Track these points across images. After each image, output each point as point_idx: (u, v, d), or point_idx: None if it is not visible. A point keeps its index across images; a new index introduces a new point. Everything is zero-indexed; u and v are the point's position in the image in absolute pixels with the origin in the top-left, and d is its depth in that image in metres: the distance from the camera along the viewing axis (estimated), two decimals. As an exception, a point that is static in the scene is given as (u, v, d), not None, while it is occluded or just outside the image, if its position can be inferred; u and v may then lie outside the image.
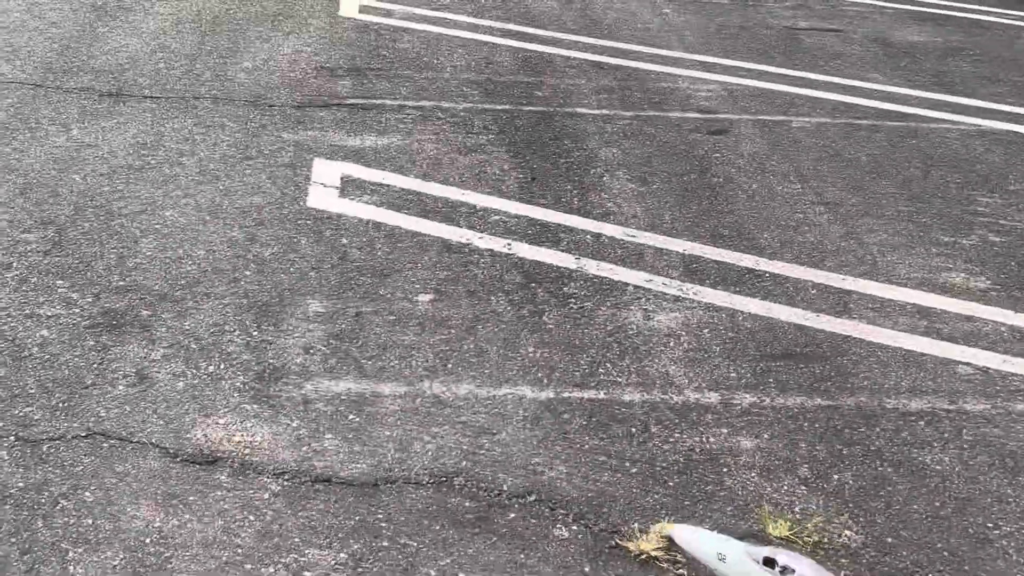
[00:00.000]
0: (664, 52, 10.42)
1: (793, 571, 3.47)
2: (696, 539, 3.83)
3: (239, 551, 4.19)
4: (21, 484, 4.49)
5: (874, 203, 7.49)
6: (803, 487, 4.72)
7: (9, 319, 5.58)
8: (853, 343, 5.81)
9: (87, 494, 4.45)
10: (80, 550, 4.14)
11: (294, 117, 8.30)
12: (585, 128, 8.47)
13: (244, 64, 9.36)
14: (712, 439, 4.97)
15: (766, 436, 5.03)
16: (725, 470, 4.77)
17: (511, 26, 10.94)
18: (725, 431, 5.03)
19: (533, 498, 4.56)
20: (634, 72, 9.82)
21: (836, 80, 9.92)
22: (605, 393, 5.26)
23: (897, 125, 8.96)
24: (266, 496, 4.48)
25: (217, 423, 4.89)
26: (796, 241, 6.88)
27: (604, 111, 8.86)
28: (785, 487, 4.72)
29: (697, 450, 4.89)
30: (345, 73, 9.31)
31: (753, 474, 4.78)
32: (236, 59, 9.48)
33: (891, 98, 9.57)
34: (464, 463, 4.74)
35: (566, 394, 5.24)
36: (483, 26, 10.92)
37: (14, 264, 6.10)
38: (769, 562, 3.60)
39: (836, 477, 4.80)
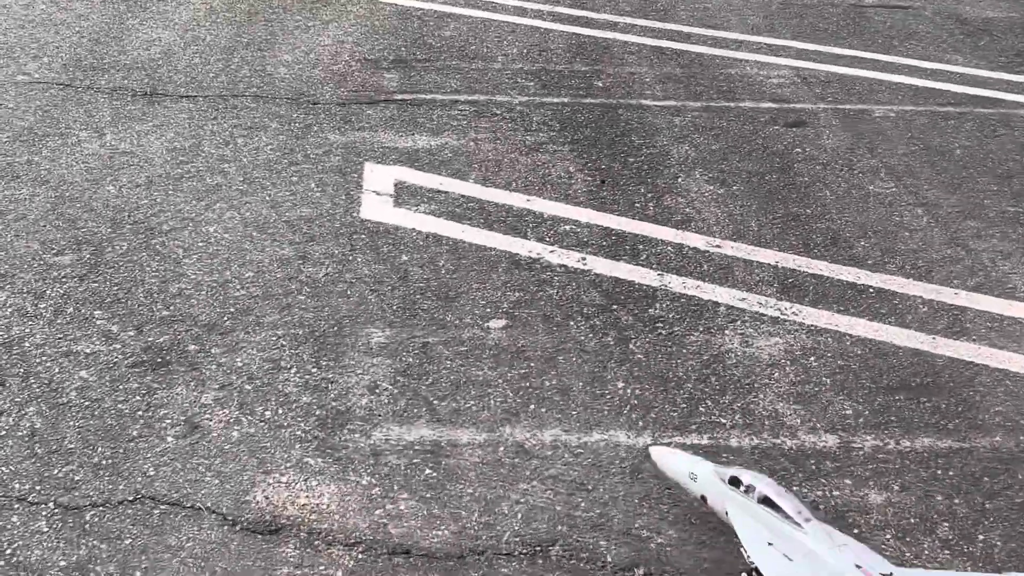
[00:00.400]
0: (727, 34, 9.76)
1: (754, 488, 3.77)
2: (672, 460, 4.11)
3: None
4: (63, 563, 3.97)
5: (975, 203, 6.86)
6: (946, 551, 4.16)
7: (45, 358, 5.06)
8: (977, 370, 5.22)
9: (137, 575, 3.93)
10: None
11: (340, 115, 7.73)
12: (652, 122, 7.87)
13: (283, 57, 8.79)
14: (836, 492, 4.41)
15: (896, 487, 4.45)
16: (856, 531, 4.21)
17: (561, 9, 10.31)
18: (849, 482, 4.46)
19: (641, 572, 4.01)
20: (697, 58, 9.18)
21: (913, 63, 9.25)
22: (709, 437, 4.69)
23: (986, 112, 8.30)
24: (340, 575, 3.95)
25: (279, 482, 4.36)
26: (897, 249, 6.27)
27: (671, 102, 8.24)
28: (926, 551, 4.15)
29: (821, 507, 4.33)
30: (390, 65, 8.73)
31: (888, 536, 4.21)
32: (274, 51, 8.91)
33: (975, 81, 8.90)
34: (559, 527, 4.19)
35: (666, 439, 4.68)
36: (531, 9, 10.29)
37: (47, 292, 5.57)
38: (735, 481, 3.88)
39: (981, 538, 4.23)
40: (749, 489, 3.75)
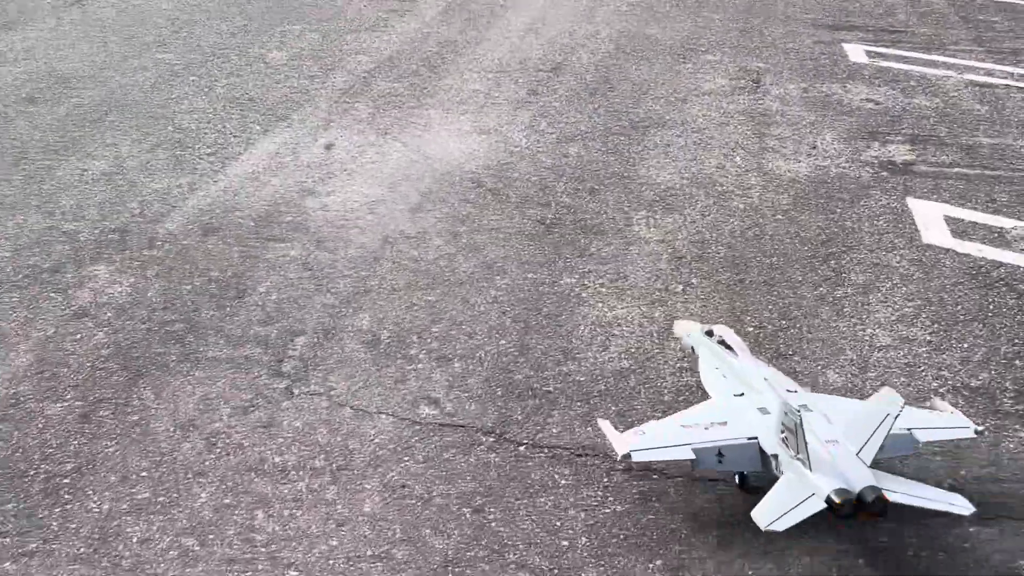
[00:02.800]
0: None
1: (715, 334, 5.37)
2: (680, 326, 5.72)
3: None
4: None
5: None
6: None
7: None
8: None
9: None
10: None
11: None
12: None
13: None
14: None
15: None
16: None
17: None
18: None
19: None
20: None
21: None
22: None
23: None
24: None
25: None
26: None
27: None
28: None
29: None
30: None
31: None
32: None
33: None
34: None
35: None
36: None
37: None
38: (709, 332, 5.46)
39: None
40: (712, 334, 5.40)
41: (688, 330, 5.54)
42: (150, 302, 6.49)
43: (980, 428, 4.72)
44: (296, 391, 5.66)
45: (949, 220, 7.72)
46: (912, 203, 7.98)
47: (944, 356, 6.05)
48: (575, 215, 7.68)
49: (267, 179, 8.27)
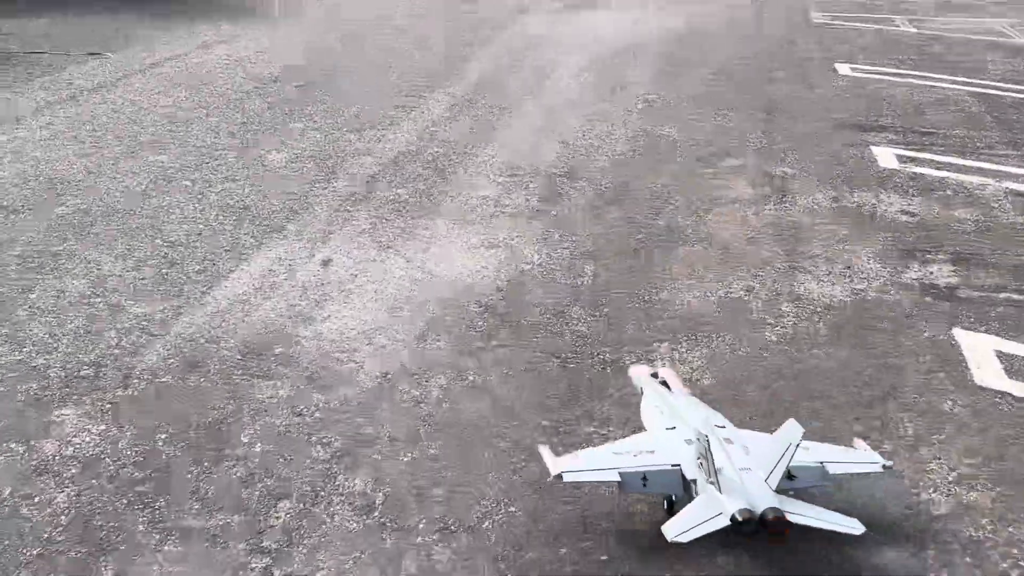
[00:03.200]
0: None
1: (659, 377, 5.84)
2: (635, 371, 6.11)
3: None
4: None
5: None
6: None
7: None
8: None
9: None
10: None
11: None
12: None
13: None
14: None
15: None
16: None
17: None
18: None
19: None
20: None
21: None
22: None
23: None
24: None
25: None
26: None
27: None
28: None
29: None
30: None
31: None
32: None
33: None
34: None
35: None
36: None
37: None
38: (655, 375, 5.93)
39: None
40: (657, 375, 5.86)
41: (639, 374, 6.06)
42: (120, 454, 5.80)
43: (888, 463, 5.23)
44: (277, 573, 5.00)
45: (1001, 356, 7.04)
46: (959, 335, 7.30)
47: (1011, 529, 5.37)
48: (592, 347, 7.05)
49: (258, 302, 7.63)
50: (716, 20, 19.85)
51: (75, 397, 6.38)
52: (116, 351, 6.92)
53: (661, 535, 4.78)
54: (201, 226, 8.97)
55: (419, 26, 18.18)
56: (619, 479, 4.91)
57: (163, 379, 6.59)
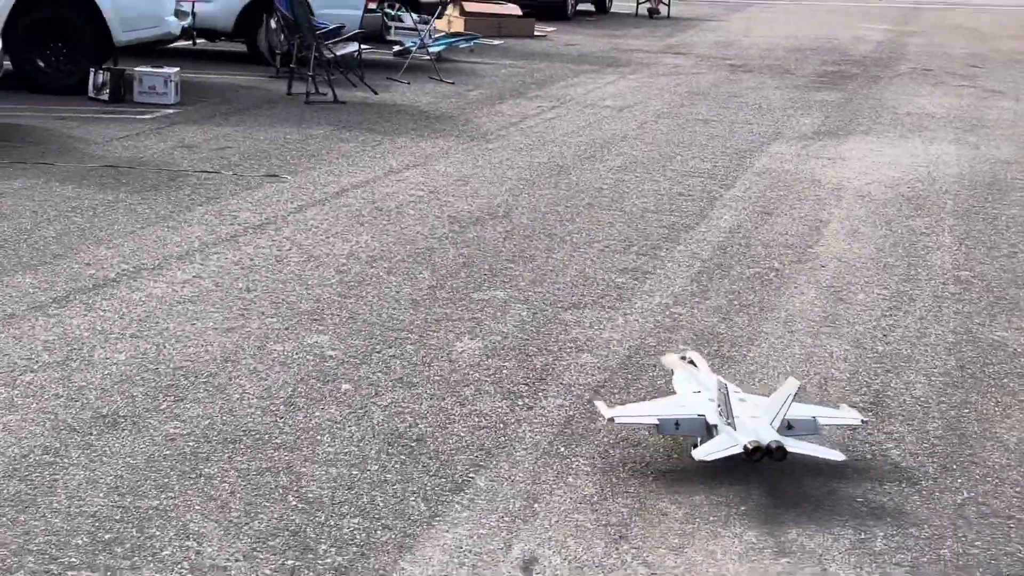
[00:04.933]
0: None
1: (687, 357, 7.17)
2: (667, 359, 7.54)
3: None
4: None
5: None
6: None
7: None
8: None
9: None
10: None
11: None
12: None
13: None
14: None
15: None
16: None
17: None
18: None
19: None
20: None
21: None
22: None
23: None
24: None
25: None
26: None
27: None
28: None
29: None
30: None
31: None
32: None
33: None
34: None
35: None
36: None
37: None
38: (683, 357, 7.26)
39: None
40: (685, 357, 7.14)
41: (670, 359, 7.33)
42: None
43: (865, 419, 6.65)
44: None
45: None
46: None
47: None
48: None
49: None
50: (1015, 150, 16.37)
51: None
52: None
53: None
54: (354, 471, 6.23)
55: (645, 152, 15.40)
56: (657, 423, 6.30)
57: None
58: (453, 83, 21.09)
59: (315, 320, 8.55)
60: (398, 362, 7.78)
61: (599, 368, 7.82)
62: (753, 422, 6.06)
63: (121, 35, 17.26)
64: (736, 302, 9.37)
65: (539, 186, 13.28)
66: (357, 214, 11.64)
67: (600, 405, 6.63)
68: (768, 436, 5.93)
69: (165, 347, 7.88)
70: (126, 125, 15.54)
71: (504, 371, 7.72)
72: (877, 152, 16.31)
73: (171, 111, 16.83)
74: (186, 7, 19.49)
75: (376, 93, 19.12)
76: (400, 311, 8.82)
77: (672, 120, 18.35)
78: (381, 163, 14.14)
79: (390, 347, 8.04)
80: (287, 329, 8.34)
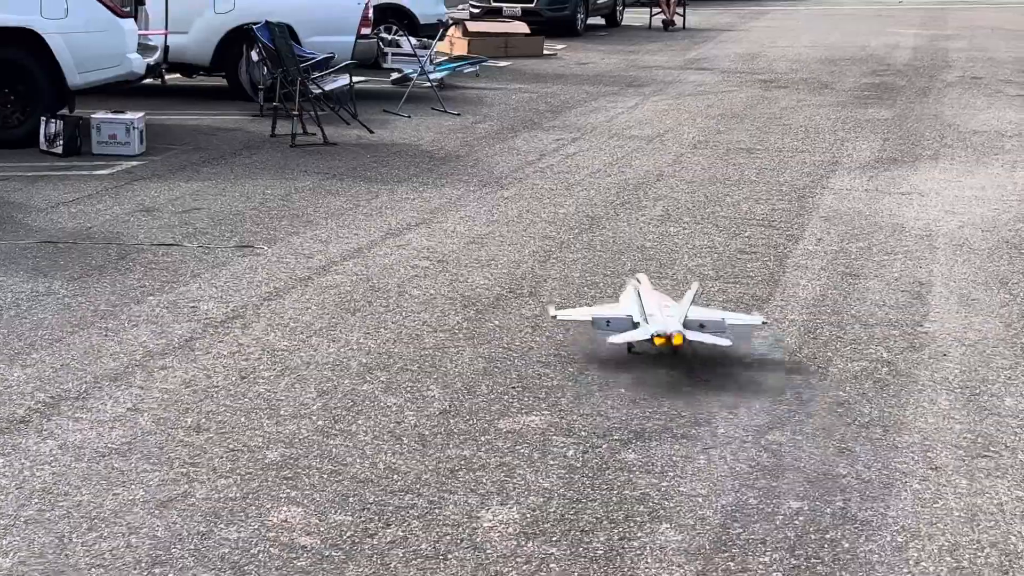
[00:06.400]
0: None
1: (639, 282, 8.53)
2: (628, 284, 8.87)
3: None
4: None
5: None
6: None
7: None
8: None
9: None
10: None
11: None
12: None
13: None
14: None
15: None
16: None
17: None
18: None
19: None
20: None
21: None
22: None
23: None
24: None
25: None
26: None
27: None
28: None
29: None
30: None
31: None
32: None
33: None
34: None
35: None
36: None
37: None
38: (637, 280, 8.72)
39: None
40: (638, 279, 8.43)
41: (629, 283, 8.56)
42: None
43: (765, 320, 8.17)
44: None
45: None
46: None
47: None
48: None
49: None
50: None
51: None
52: None
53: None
54: None
55: (688, 195, 13.10)
56: (591, 320, 7.86)
57: None
58: (459, 114, 18.76)
59: (286, 480, 6.21)
60: (400, 554, 5.52)
61: (686, 551, 5.53)
62: (664, 315, 7.65)
63: (76, 78, 14.90)
64: (849, 419, 7.01)
65: (569, 247, 10.96)
66: (347, 299, 9.31)
67: (550, 308, 8.38)
68: (672, 327, 7.44)
69: (70, 541, 5.60)
70: (78, 184, 13.15)
71: (552, 564, 5.42)
72: (956, 183, 13.94)
73: (134, 163, 14.39)
74: (153, 41, 17.29)
75: (372, 132, 16.76)
76: (403, 457, 6.49)
77: (711, 151, 15.99)
78: (378, 223, 11.78)
79: (389, 525, 5.71)
80: (246, 498, 5.99)
